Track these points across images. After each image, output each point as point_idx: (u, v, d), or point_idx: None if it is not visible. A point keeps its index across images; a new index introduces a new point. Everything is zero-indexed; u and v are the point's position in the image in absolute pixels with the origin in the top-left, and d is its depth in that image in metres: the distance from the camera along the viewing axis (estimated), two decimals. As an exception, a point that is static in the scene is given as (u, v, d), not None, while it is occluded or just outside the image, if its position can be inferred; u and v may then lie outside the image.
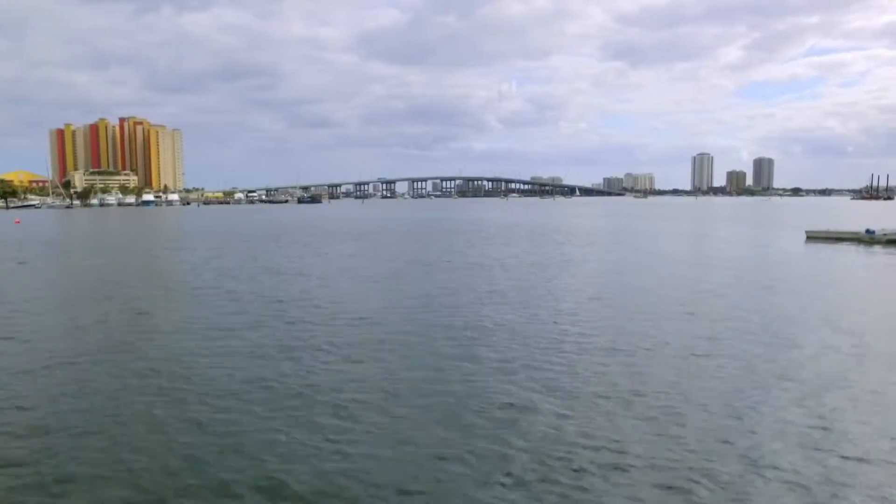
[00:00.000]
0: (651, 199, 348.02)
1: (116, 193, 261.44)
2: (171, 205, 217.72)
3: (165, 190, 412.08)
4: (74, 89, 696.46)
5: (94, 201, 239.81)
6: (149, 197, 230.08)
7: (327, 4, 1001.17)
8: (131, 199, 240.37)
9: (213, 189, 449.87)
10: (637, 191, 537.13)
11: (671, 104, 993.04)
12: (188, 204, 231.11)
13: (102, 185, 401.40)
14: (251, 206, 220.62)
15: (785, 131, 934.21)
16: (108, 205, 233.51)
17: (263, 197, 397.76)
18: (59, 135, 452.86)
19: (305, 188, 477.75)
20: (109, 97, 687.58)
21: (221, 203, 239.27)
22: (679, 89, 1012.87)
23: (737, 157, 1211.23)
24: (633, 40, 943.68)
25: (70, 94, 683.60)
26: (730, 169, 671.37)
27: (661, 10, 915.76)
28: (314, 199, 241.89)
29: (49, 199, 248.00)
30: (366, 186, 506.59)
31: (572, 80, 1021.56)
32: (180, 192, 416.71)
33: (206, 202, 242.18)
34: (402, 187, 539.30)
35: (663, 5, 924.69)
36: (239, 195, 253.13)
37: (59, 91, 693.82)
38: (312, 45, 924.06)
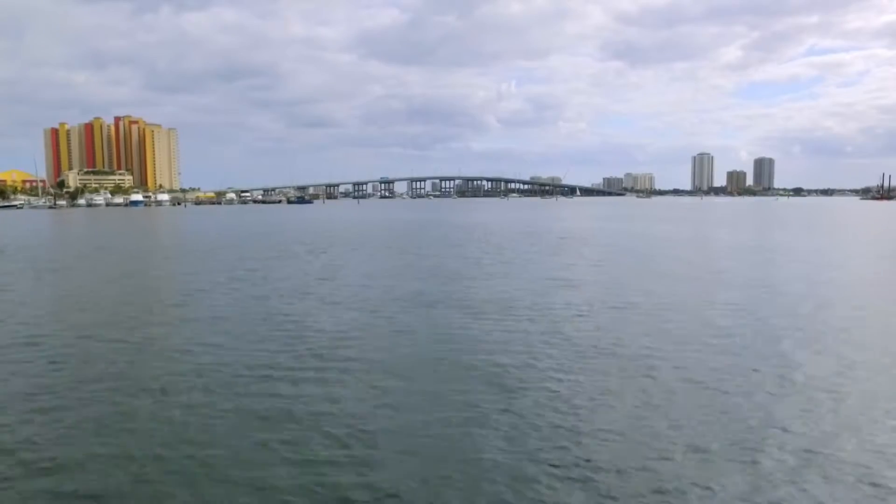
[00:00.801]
0: (655, 199, 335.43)
1: (105, 193, 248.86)
2: (161, 205, 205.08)
3: (160, 188, 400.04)
4: (73, 89, 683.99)
5: (82, 201, 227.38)
6: (137, 197, 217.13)
7: (326, 4, 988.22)
8: (120, 199, 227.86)
9: (210, 189, 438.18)
10: (639, 191, 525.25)
11: (670, 104, 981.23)
12: (178, 204, 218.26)
13: (97, 185, 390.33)
14: (243, 206, 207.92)
15: (784, 131, 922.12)
16: (96, 205, 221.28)
17: (259, 196, 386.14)
18: (54, 134, 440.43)
19: (303, 188, 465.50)
20: (108, 97, 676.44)
21: (213, 203, 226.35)
22: (678, 89, 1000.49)
23: (735, 156, 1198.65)
24: (632, 40, 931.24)
25: (69, 93, 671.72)
26: (728, 169, 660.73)
27: (661, 9, 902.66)
28: (303, 200, 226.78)
29: (33, 199, 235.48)
30: (364, 186, 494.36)
31: (571, 80, 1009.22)
32: (176, 191, 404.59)
33: (198, 202, 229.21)
34: (400, 187, 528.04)
35: (662, 5, 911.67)
36: (231, 195, 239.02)
37: (58, 91, 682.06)
38: (311, 44, 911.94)
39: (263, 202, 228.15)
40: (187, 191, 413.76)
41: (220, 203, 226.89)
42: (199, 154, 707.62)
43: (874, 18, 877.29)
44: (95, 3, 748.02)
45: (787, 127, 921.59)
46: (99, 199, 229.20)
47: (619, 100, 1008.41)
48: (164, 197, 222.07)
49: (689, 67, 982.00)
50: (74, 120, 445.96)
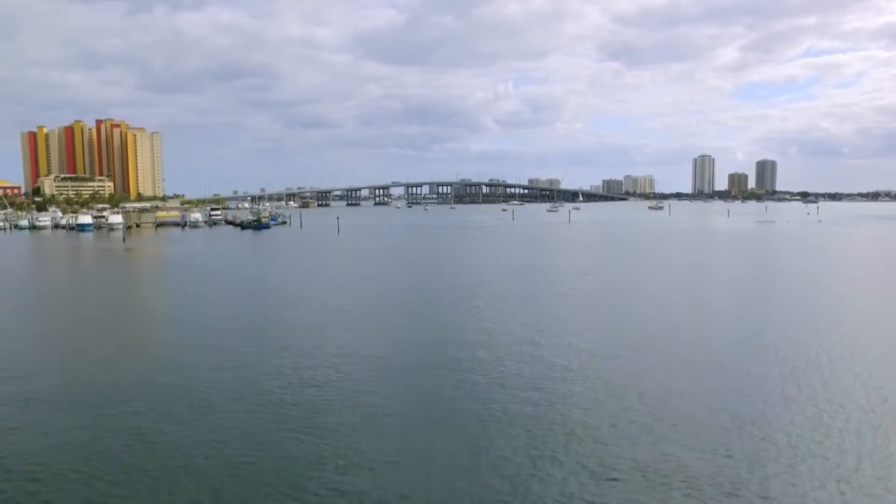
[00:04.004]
0: (668, 206, 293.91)
1: (54, 212, 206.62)
2: (113, 230, 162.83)
3: (140, 198, 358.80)
4: (68, 89, 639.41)
5: (24, 222, 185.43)
6: (85, 219, 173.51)
7: (323, 4, 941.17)
8: (82, 216, 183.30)
9: (196, 196, 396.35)
10: (644, 195, 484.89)
11: (667, 105, 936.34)
12: (132, 227, 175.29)
13: (73, 193, 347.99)
14: (209, 231, 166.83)
15: (781, 132, 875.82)
16: (41, 227, 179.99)
17: (245, 206, 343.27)
18: (32, 137, 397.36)
19: (294, 195, 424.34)
20: (104, 98, 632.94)
21: (176, 225, 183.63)
22: (675, 90, 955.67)
23: (732, 157, 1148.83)
24: (630, 41, 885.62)
25: (64, 94, 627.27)
26: (726, 170, 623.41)
27: (659, 10, 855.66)
28: (260, 225, 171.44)
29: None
30: (359, 192, 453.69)
31: (569, 80, 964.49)
32: (158, 198, 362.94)
33: (159, 224, 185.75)
34: (397, 190, 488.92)
35: (661, 6, 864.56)
36: (195, 216, 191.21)
37: (53, 91, 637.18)
38: (308, 45, 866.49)
39: (232, 223, 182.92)
40: (169, 198, 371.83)
41: (184, 225, 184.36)
42: (196, 155, 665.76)
43: (872, 19, 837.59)
44: (90, 3, 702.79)
45: (783, 128, 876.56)
46: (45, 218, 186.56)
47: (617, 101, 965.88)
48: (117, 219, 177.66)
49: (686, 68, 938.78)
50: (70, 121, 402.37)
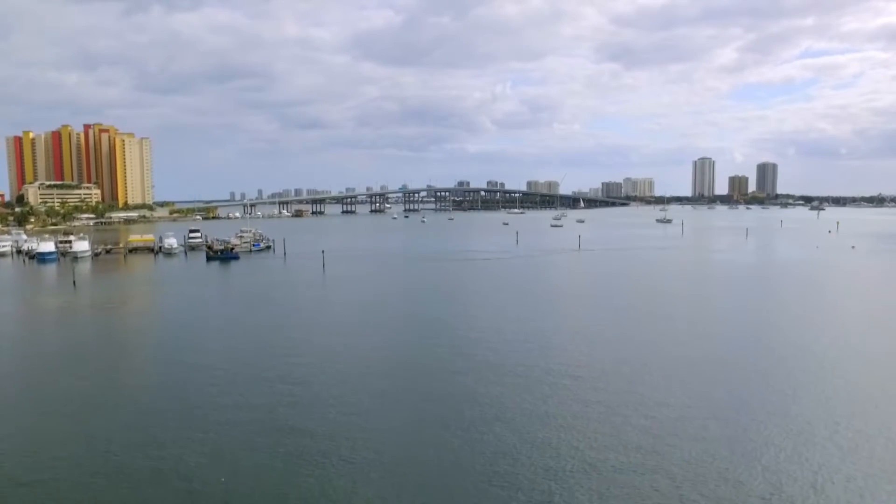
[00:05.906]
0: (671, 212, 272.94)
1: (18, 234, 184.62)
2: (78, 259, 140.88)
3: (128, 206, 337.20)
4: (64, 90, 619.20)
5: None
6: (47, 247, 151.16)
7: (321, 5, 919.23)
8: (43, 243, 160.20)
9: (184, 201, 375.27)
10: (646, 199, 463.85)
11: (664, 106, 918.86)
12: (99, 254, 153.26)
13: (60, 202, 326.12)
14: (183, 263, 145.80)
15: (778, 133, 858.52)
16: (0, 255, 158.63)
17: (237, 215, 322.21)
18: (17, 143, 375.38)
19: (286, 203, 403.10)
20: (99, 98, 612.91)
21: (150, 251, 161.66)
22: (673, 91, 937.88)
23: (730, 158, 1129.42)
24: (627, 42, 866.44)
25: (59, 95, 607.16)
26: (724, 172, 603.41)
27: (657, 11, 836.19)
28: (228, 255, 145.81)
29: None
30: (354, 199, 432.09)
31: (566, 81, 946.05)
32: (147, 204, 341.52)
33: (132, 250, 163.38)
34: (394, 194, 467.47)
35: (659, 7, 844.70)
36: (169, 242, 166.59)
37: (48, 92, 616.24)
38: (305, 45, 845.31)
39: (211, 250, 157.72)
40: (158, 206, 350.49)
41: (159, 250, 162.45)
42: (193, 157, 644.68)
43: (870, 20, 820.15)
44: (85, 3, 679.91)
45: (781, 129, 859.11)
46: (5, 244, 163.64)
47: (614, 101, 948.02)
48: (83, 246, 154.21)
49: (684, 69, 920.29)
50: (68, 122, 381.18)
